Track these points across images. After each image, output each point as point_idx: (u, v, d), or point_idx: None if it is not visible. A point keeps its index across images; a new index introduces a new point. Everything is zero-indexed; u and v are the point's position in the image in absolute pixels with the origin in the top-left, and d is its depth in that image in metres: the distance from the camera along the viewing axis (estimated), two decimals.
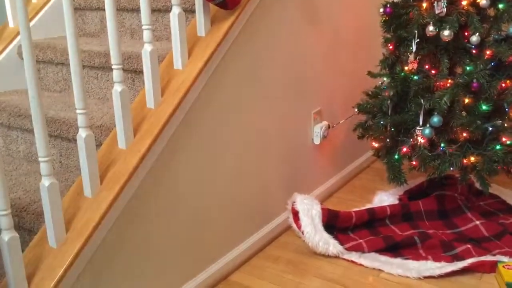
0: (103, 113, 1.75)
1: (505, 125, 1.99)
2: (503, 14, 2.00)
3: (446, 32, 1.96)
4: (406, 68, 2.10)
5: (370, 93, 2.29)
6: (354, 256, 1.93)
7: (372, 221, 2.12)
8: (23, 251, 1.28)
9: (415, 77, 2.07)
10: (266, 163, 2.02)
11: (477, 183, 2.07)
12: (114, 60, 1.42)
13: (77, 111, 1.35)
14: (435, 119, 1.99)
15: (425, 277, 1.79)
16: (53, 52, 2.01)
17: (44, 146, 1.26)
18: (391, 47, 2.18)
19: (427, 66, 2.09)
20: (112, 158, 1.47)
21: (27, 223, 1.49)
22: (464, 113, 2.00)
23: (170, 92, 1.58)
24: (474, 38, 1.98)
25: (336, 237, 1.98)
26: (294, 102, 2.14)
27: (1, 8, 2.20)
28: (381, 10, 2.18)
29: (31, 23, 2.20)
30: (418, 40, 2.07)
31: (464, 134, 1.99)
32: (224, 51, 1.71)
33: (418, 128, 2.06)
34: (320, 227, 1.97)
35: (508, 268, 1.73)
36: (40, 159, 1.27)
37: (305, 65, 2.17)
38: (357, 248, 1.95)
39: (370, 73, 2.27)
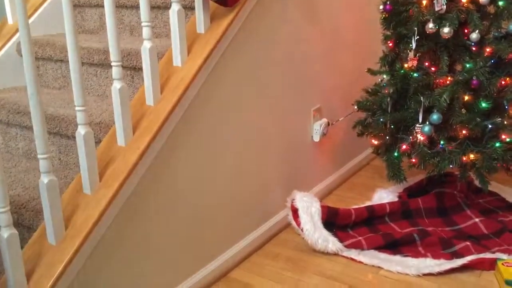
0: (102, 110, 1.75)
1: (505, 122, 1.99)
2: (503, 11, 1.99)
3: (446, 29, 1.96)
4: (405, 65, 2.09)
5: (369, 90, 2.29)
6: (353, 254, 1.93)
7: (371, 218, 2.12)
8: (22, 248, 1.28)
9: (415, 75, 2.07)
10: (265, 160, 2.02)
11: (477, 181, 2.08)
12: (113, 57, 1.41)
13: (76, 108, 1.35)
14: (435, 117, 1.99)
15: (424, 275, 1.79)
16: (52, 49, 2.01)
17: (43, 143, 1.26)
18: (390, 44, 2.18)
19: (427, 63, 2.09)
20: (111, 155, 1.47)
21: (26, 220, 1.49)
22: (463, 111, 2.00)
23: (169, 89, 1.58)
24: (474, 35, 1.97)
25: (335, 235, 1.98)
26: (294, 99, 2.14)
27: (0, 5, 2.19)
28: (381, 7, 2.17)
29: (30, 20, 2.19)
30: (418, 37, 2.07)
31: (464, 132, 1.99)
32: (224, 48, 1.71)
33: (417, 125, 2.06)
34: (319, 224, 1.97)
35: (507, 266, 1.73)
36: (39, 156, 1.27)
37: (305, 62, 2.17)
38: (357, 246, 1.95)
39: (369, 71, 2.27)
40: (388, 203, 2.18)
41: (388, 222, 2.13)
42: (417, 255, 1.90)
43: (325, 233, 1.96)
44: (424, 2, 2.03)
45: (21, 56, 1.34)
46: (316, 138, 2.29)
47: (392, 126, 2.17)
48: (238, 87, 1.81)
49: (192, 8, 1.88)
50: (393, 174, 2.17)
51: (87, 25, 2.31)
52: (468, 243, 1.91)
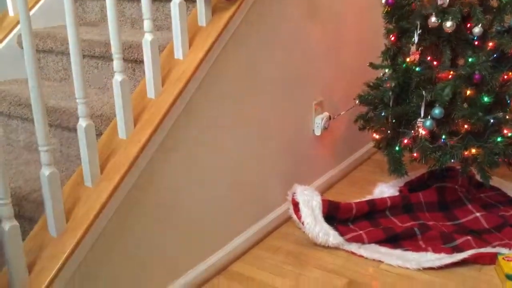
0: (103, 103, 1.75)
1: (507, 117, 1.99)
2: (506, 6, 1.98)
3: (449, 23, 1.95)
4: (408, 59, 2.08)
5: (371, 84, 2.29)
6: (354, 247, 1.93)
7: (372, 212, 2.12)
8: (23, 240, 1.28)
9: (417, 69, 2.06)
10: (266, 153, 2.02)
11: (478, 175, 2.07)
12: (115, 49, 1.41)
13: (77, 100, 1.34)
14: (437, 111, 1.99)
15: (425, 269, 1.80)
16: (53, 41, 2.00)
17: (44, 136, 1.26)
18: (393, 38, 2.17)
19: (429, 58, 2.08)
20: (113, 148, 1.47)
21: (27, 212, 1.49)
22: (465, 105, 2.00)
23: (170, 82, 1.58)
24: (477, 30, 1.96)
25: (336, 228, 1.98)
26: (295, 92, 2.13)
27: None
28: (383, 0, 2.16)
29: (31, 12, 2.19)
30: (420, 31, 2.05)
31: (466, 126, 1.99)
32: (225, 41, 1.70)
33: (419, 119, 2.06)
34: (320, 218, 1.98)
35: (508, 260, 1.73)
36: (40, 148, 1.27)
37: (307, 56, 2.16)
38: (357, 239, 1.95)
39: (371, 64, 2.26)
40: (389, 197, 2.18)
41: (389, 216, 2.13)
42: (417, 249, 1.90)
43: (326, 227, 1.96)
44: None
45: (22, 48, 1.33)
46: (318, 132, 2.29)
47: (393, 120, 2.17)
48: (240, 80, 1.81)
49: (193, 1, 1.87)
50: (394, 168, 2.17)
51: (88, 17, 2.30)
52: (469, 237, 1.91)
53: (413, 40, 2.08)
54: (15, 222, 1.20)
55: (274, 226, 2.11)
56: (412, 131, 2.08)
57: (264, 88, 1.94)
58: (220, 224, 1.83)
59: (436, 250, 1.87)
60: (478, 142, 1.98)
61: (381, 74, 2.26)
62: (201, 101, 1.66)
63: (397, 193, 2.25)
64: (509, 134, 1.96)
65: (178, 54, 1.63)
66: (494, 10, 2.02)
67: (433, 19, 1.98)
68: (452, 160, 2.00)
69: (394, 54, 2.17)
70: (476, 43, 2.01)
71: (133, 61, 1.83)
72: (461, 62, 2.06)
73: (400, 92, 2.15)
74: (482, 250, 1.84)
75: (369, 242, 1.95)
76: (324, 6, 2.22)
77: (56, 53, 2.04)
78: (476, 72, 1.96)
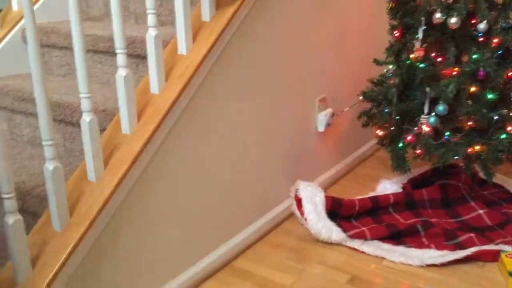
0: (107, 98, 1.75)
1: (511, 114, 1.98)
2: (511, 2, 1.98)
3: (454, 20, 1.94)
4: (412, 55, 2.08)
5: (375, 80, 2.28)
6: (356, 244, 1.93)
7: (375, 209, 2.12)
8: (27, 234, 1.28)
9: (421, 65, 2.06)
10: (269, 149, 2.02)
11: (481, 173, 2.07)
12: (118, 44, 1.41)
13: (81, 95, 1.34)
14: (441, 108, 1.98)
15: (428, 265, 1.80)
16: (57, 36, 2.00)
17: (48, 130, 1.26)
18: (397, 34, 2.16)
19: (433, 54, 2.08)
20: (116, 143, 1.47)
21: (31, 206, 1.50)
22: (469, 102, 1.99)
23: (174, 78, 1.58)
24: (482, 26, 1.95)
25: (339, 225, 1.99)
26: (299, 88, 2.13)
27: None
28: None
29: (35, 7, 2.19)
30: (424, 27, 2.05)
31: (469, 123, 1.98)
32: (229, 36, 1.70)
33: (423, 116, 2.05)
34: (323, 214, 1.98)
35: (510, 257, 1.73)
36: (43, 143, 1.27)
37: (311, 52, 2.16)
38: (360, 236, 1.95)
39: (375, 61, 2.25)
40: (392, 194, 2.17)
41: (392, 213, 2.13)
42: (420, 246, 1.90)
43: (329, 223, 1.96)
44: None
45: (26, 43, 1.33)
46: (321, 128, 2.29)
47: (397, 117, 2.16)
48: (243, 76, 1.81)
49: None
50: (398, 165, 2.17)
51: (92, 12, 2.30)
52: (472, 234, 1.91)
53: (417, 36, 2.07)
54: (19, 216, 1.21)
55: (277, 222, 2.11)
56: (416, 128, 2.08)
57: (268, 84, 1.94)
58: (223, 219, 1.83)
59: (439, 247, 1.87)
60: (482, 139, 1.98)
61: (385, 70, 2.25)
62: (205, 97, 1.66)
63: (400, 190, 2.25)
64: None
65: (182, 49, 1.63)
66: (499, 6, 2.01)
67: (437, 15, 1.97)
68: (456, 157, 2.00)
69: (398, 50, 2.17)
70: (480, 39, 2.00)
71: (137, 56, 1.83)
72: (465, 58, 2.05)
73: (404, 88, 2.15)
74: (485, 247, 1.83)
75: (372, 239, 1.95)
76: (329, 2, 2.21)
77: (59, 48, 2.04)
78: (481, 68, 1.95)
